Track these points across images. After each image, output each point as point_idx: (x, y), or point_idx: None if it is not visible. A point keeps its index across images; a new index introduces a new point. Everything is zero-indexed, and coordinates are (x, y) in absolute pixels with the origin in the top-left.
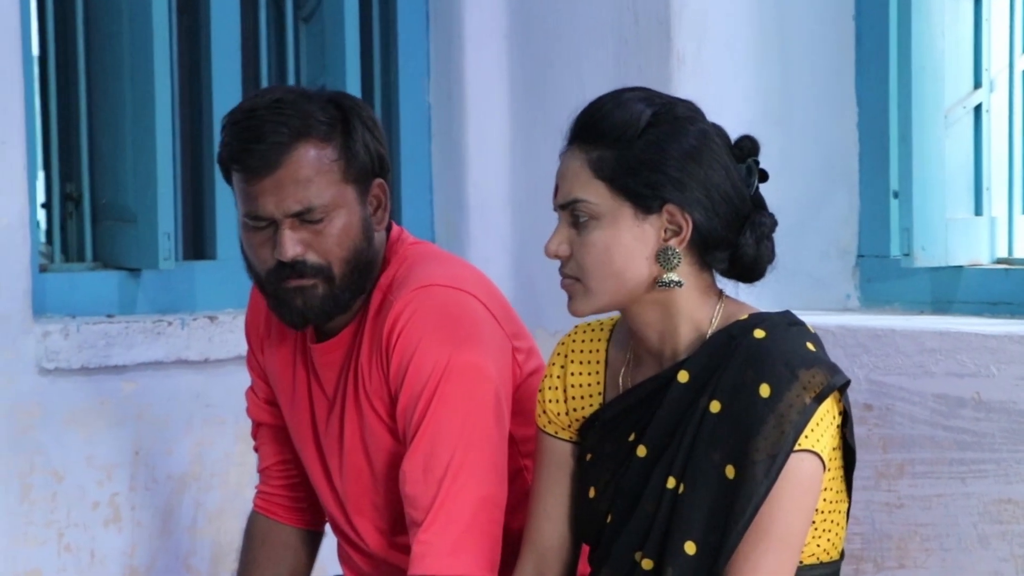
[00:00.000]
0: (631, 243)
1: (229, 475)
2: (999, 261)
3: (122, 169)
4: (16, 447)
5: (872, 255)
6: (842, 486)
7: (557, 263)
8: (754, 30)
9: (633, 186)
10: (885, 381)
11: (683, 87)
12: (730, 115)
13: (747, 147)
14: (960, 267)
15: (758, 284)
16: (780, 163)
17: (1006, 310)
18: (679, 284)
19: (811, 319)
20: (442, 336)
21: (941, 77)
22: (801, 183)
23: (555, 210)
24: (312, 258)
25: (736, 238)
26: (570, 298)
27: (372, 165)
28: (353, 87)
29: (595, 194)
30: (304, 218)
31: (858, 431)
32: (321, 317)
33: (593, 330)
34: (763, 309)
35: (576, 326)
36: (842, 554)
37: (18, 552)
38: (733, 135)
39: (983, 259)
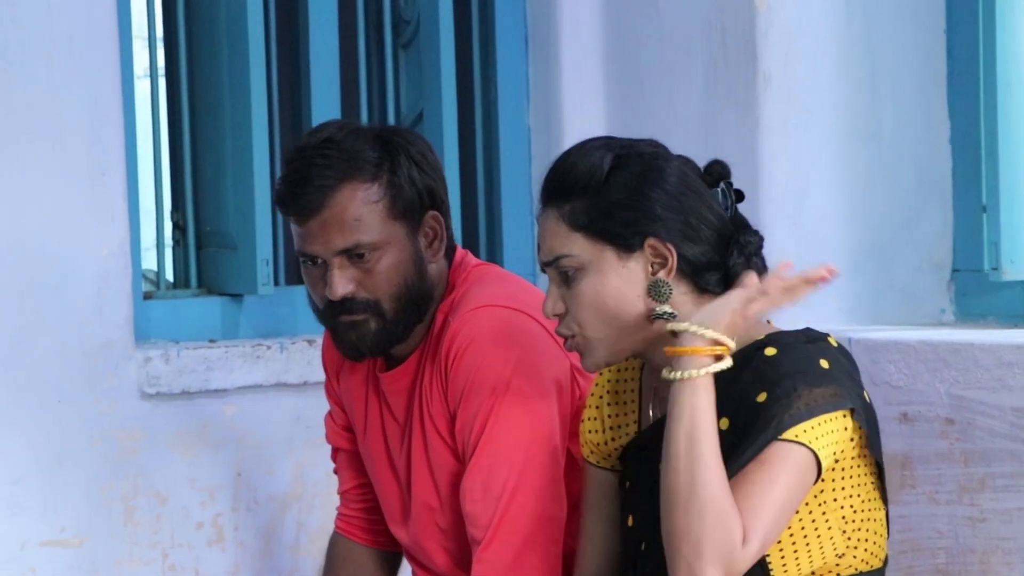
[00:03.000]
0: (619, 284)
1: (330, 495)
2: None
3: (223, 197)
4: (120, 471)
5: (966, 269)
6: (874, 493)
7: None
8: (841, 46)
9: (611, 228)
10: (965, 395)
11: (770, 105)
12: (817, 132)
13: (717, 171)
14: None
15: (852, 301)
16: (871, 179)
17: None
18: (672, 315)
19: (897, 334)
20: (499, 355)
21: None
22: (893, 198)
23: (542, 271)
24: (362, 295)
25: (724, 260)
26: (580, 356)
27: (421, 200)
28: (450, 112)
29: (575, 246)
30: (352, 256)
31: (939, 445)
32: (375, 351)
33: (628, 360)
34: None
35: None
36: (885, 560)
37: (123, 573)
38: (820, 152)
39: None
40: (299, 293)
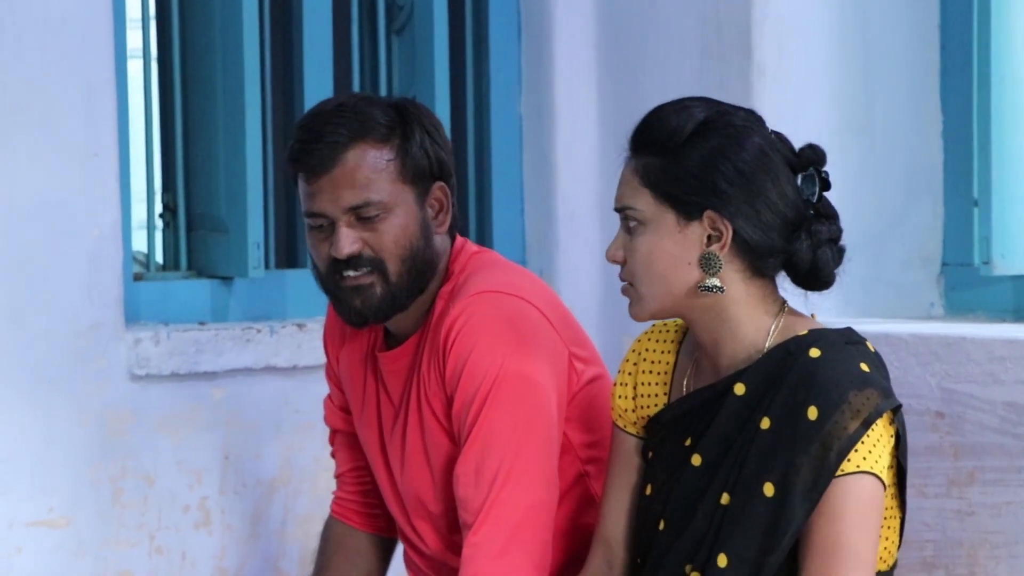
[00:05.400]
0: (673, 249)
1: (318, 480)
2: None
3: (215, 180)
4: (108, 452)
5: (956, 263)
6: (893, 502)
7: None
8: (835, 39)
9: (675, 193)
10: (956, 389)
11: (763, 97)
12: (811, 124)
13: (808, 156)
14: None
15: (842, 294)
16: (862, 172)
17: None
18: (720, 289)
19: (889, 327)
20: (497, 341)
21: (1021, 86)
22: (885, 192)
23: (616, 213)
24: (368, 253)
25: (789, 245)
26: (628, 304)
27: (431, 168)
28: (443, 98)
29: (641, 201)
30: (360, 215)
31: (929, 438)
32: (379, 316)
33: (668, 331)
34: (829, 322)
35: (652, 327)
36: (895, 564)
37: (110, 554)
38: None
39: None
40: (289, 277)
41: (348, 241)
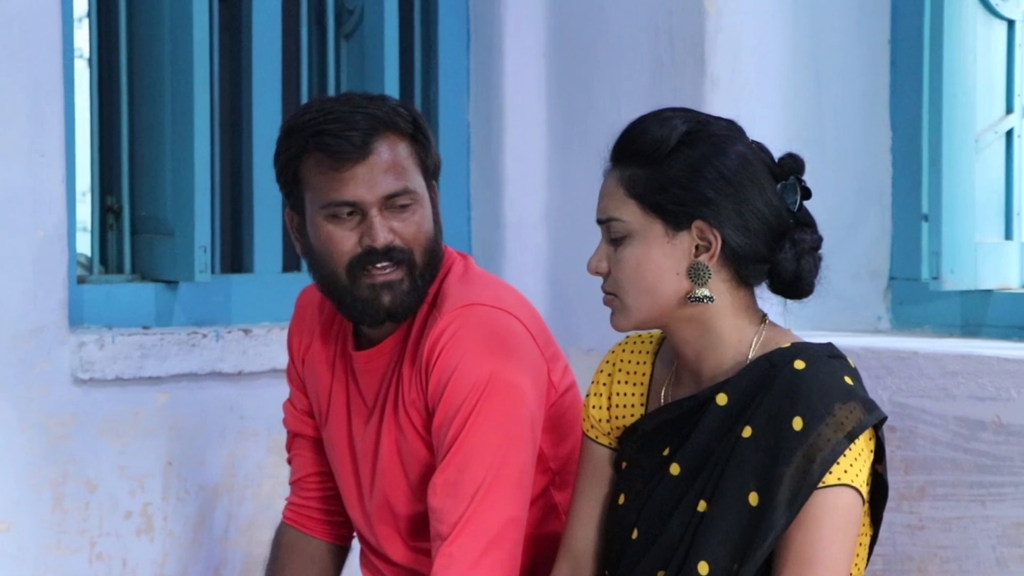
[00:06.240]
0: (662, 259)
1: (261, 487)
2: None
3: (161, 183)
4: (50, 457)
5: (903, 278)
6: (866, 518)
7: (591, 281)
8: (788, 53)
9: (663, 203)
10: (908, 403)
11: (716, 108)
12: (762, 137)
13: (789, 165)
14: (989, 291)
15: (788, 304)
16: (812, 185)
17: None
18: (710, 299)
19: (838, 340)
20: (484, 355)
21: (973, 102)
22: (833, 205)
23: (598, 225)
24: (398, 244)
25: (773, 254)
26: (611, 314)
27: (436, 169)
28: None
29: (627, 212)
30: (396, 203)
31: None
32: (407, 312)
33: (643, 342)
34: (803, 335)
35: (627, 337)
36: None
37: (50, 561)
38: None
39: (1012, 283)
40: (235, 281)
41: (384, 231)
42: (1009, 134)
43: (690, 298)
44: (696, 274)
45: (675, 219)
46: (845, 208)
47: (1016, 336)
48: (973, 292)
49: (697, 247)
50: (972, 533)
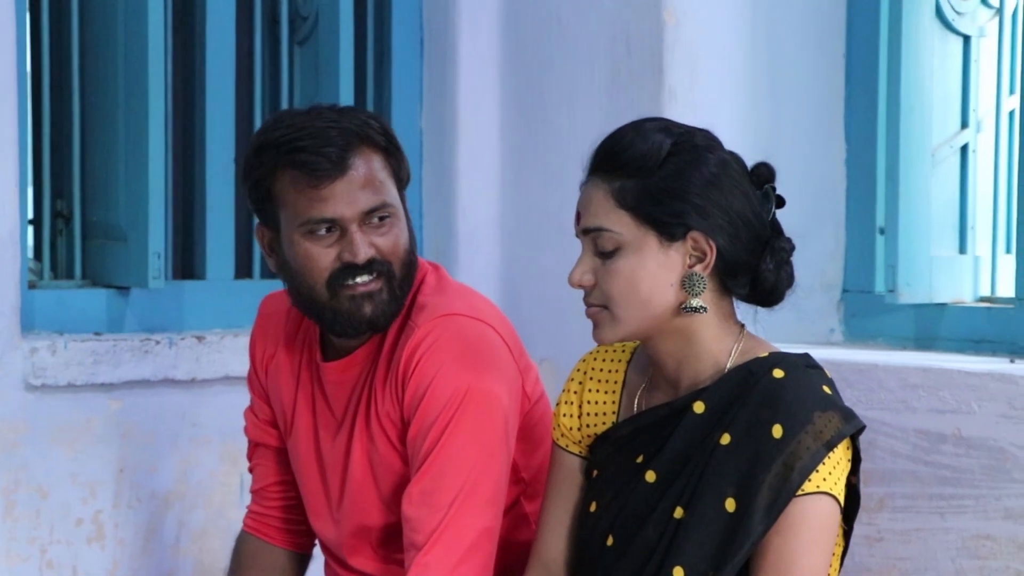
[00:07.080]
0: (656, 271)
1: (213, 495)
2: (982, 299)
3: (113, 188)
4: (1, 463)
5: (857, 290)
6: (839, 530)
7: (545, 291)
8: (745, 66)
9: (657, 215)
10: (867, 416)
11: (674, 119)
12: None
13: (764, 174)
14: (944, 304)
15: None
16: None
17: (988, 348)
18: (704, 309)
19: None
20: (462, 365)
21: (929, 116)
22: (788, 217)
23: (577, 236)
24: (378, 258)
25: (757, 263)
26: (596, 326)
27: (408, 180)
28: None
29: (620, 224)
30: (374, 218)
31: None
32: (387, 322)
33: (615, 351)
34: (779, 347)
35: (599, 346)
36: None
37: (0, 568)
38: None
39: (966, 297)
40: (188, 288)
41: (364, 246)
42: (964, 149)
43: (684, 308)
44: (691, 285)
45: (669, 230)
46: (799, 220)
47: (969, 350)
48: (927, 305)
49: (691, 257)
50: (931, 545)
